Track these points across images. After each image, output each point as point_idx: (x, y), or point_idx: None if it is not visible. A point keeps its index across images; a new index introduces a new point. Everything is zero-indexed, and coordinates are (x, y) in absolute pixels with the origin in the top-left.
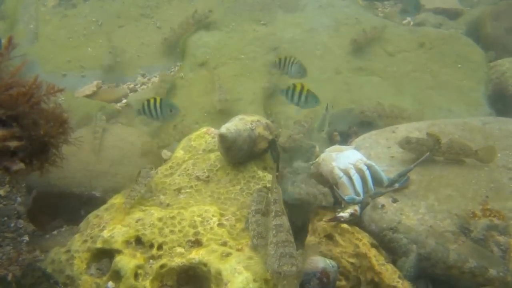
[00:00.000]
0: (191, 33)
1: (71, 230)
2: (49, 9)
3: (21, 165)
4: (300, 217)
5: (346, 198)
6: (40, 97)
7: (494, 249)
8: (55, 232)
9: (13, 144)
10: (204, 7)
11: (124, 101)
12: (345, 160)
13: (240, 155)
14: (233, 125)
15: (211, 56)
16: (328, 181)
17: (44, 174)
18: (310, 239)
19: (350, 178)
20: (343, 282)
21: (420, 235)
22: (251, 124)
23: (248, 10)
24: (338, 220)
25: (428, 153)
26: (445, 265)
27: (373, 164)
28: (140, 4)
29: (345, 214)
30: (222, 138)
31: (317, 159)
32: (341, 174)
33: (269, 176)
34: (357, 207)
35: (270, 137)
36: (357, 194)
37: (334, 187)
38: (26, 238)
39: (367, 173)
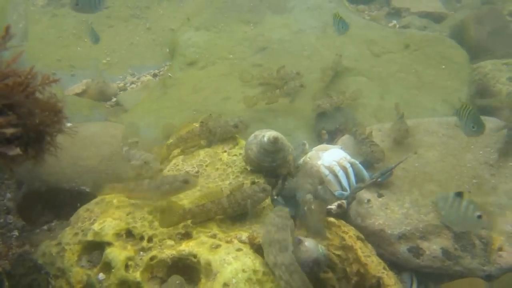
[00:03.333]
0: (182, 33)
1: (61, 224)
2: (39, 8)
3: (17, 151)
4: None
5: (336, 193)
6: (35, 87)
7: (476, 242)
8: (45, 227)
9: (9, 131)
10: (194, 8)
11: (114, 99)
12: (330, 158)
13: (268, 166)
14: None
15: (200, 56)
16: (313, 178)
17: (39, 163)
18: (298, 233)
19: (335, 175)
20: (330, 274)
21: None
22: (288, 147)
23: (237, 11)
24: (328, 212)
25: (409, 154)
26: None
27: (357, 162)
28: (130, 5)
29: (333, 206)
30: (275, 140)
31: (303, 158)
32: (327, 172)
33: None
34: (343, 201)
35: (292, 169)
36: (344, 189)
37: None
38: (15, 233)
39: (350, 170)
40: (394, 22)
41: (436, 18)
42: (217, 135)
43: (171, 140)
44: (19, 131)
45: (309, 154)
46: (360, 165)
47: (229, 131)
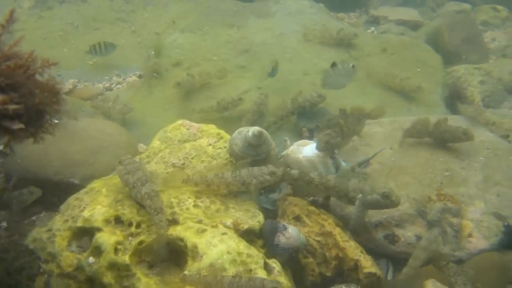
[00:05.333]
0: (167, 35)
1: (49, 215)
2: (25, 10)
3: (20, 125)
4: None
5: None
6: (35, 69)
7: (447, 230)
8: (34, 218)
9: (12, 107)
10: (179, 13)
11: (100, 98)
12: (310, 151)
13: (255, 160)
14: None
15: (185, 57)
16: None
17: (38, 141)
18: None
19: (315, 168)
20: (310, 259)
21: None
22: (271, 143)
23: (221, 15)
24: (316, 203)
25: (384, 147)
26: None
27: (335, 155)
28: (116, 9)
29: (320, 198)
30: (259, 134)
31: (286, 151)
32: (308, 165)
33: None
34: None
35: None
36: None
37: None
38: (4, 224)
39: (329, 162)
40: (373, 29)
41: (413, 26)
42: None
43: (190, 173)
44: (21, 108)
45: (291, 148)
46: (338, 158)
47: (266, 181)
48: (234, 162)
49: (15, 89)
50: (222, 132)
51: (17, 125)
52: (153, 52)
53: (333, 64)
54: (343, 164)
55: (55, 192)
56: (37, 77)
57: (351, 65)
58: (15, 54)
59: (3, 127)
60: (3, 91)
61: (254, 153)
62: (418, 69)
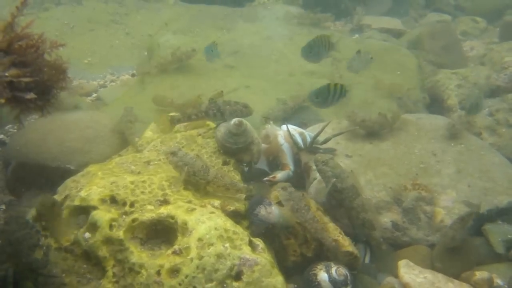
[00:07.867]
0: (160, 36)
1: None
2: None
3: (32, 95)
4: None
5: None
6: (44, 49)
7: (421, 216)
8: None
9: (25, 79)
10: (171, 16)
11: (94, 95)
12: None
13: (229, 148)
14: (250, 125)
15: None
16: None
17: (45, 114)
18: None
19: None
20: (292, 241)
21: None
22: (254, 138)
23: (211, 18)
24: (274, 181)
25: (354, 127)
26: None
27: (304, 131)
28: (110, 11)
29: (280, 175)
30: (240, 123)
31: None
32: (282, 141)
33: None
34: (291, 171)
35: (254, 158)
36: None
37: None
38: (2, 207)
39: (296, 136)
40: (357, 35)
41: (395, 34)
42: (226, 113)
43: (174, 113)
44: (32, 81)
45: (267, 129)
46: (307, 134)
47: (239, 111)
48: (219, 149)
49: (26, 66)
50: (211, 124)
51: (30, 95)
52: (146, 53)
53: (358, 51)
54: (308, 138)
55: (52, 177)
56: (46, 56)
57: (369, 56)
58: (27, 35)
59: (16, 97)
60: (16, 67)
61: (233, 141)
62: (398, 72)
